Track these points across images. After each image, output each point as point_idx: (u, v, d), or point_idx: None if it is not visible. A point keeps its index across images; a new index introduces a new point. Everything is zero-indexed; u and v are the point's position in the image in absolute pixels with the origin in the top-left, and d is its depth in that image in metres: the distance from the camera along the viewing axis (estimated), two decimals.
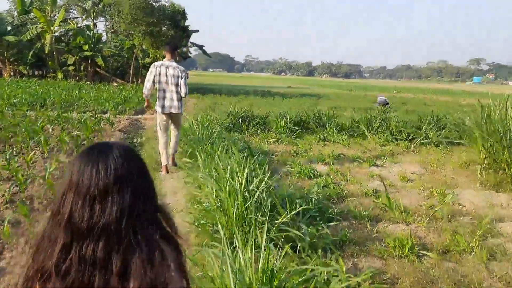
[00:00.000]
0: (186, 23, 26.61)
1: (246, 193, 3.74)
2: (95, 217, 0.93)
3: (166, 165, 6.08)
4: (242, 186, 3.68)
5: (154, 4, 23.73)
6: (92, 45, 26.80)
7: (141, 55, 28.74)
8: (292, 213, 3.54)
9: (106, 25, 39.15)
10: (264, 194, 3.74)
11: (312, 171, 6.24)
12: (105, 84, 24.76)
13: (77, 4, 29.86)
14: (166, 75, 5.91)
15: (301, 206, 3.86)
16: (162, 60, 6.05)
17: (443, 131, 9.80)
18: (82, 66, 27.55)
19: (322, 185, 5.61)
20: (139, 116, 12.67)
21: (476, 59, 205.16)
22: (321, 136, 9.56)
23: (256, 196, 3.58)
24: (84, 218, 0.93)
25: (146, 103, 6.46)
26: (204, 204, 4.05)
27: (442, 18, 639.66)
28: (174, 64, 6.02)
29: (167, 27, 24.54)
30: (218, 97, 22.44)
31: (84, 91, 17.01)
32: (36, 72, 32.23)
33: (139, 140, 8.88)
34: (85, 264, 0.92)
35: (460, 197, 5.49)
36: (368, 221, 4.44)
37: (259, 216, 3.40)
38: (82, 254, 0.92)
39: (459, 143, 9.47)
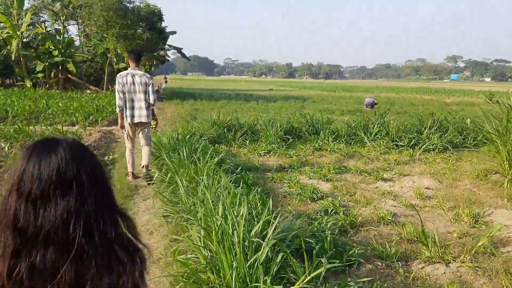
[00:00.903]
0: (163, 24, 25.47)
1: (246, 242, 2.75)
2: (39, 221, 0.85)
3: (132, 172, 6.03)
4: (241, 234, 2.69)
5: (127, 5, 22.51)
6: (63, 50, 25.28)
7: (115, 60, 27.38)
8: (313, 274, 2.55)
9: (78, 29, 37.53)
10: (270, 243, 2.75)
11: (314, 191, 5.28)
12: (78, 91, 23.32)
13: (46, 7, 28.26)
14: (134, 83, 5.86)
15: (318, 256, 2.89)
16: (127, 70, 6.00)
17: (445, 135, 9.01)
18: (52, 73, 25.98)
19: (330, 209, 4.66)
20: (113, 127, 11.51)
21: (453, 56, 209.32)
22: (316, 145, 8.64)
23: (262, 251, 2.59)
24: (29, 222, 0.85)
25: (119, 122, 6.15)
26: (189, 256, 3.03)
27: (419, 17, 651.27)
28: (140, 72, 5.96)
29: (142, 29, 23.34)
30: (199, 103, 21.36)
31: (53, 100, 15.67)
32: (6, 81, 30.47)
33: (111, 156, 7.78)
34: (37, 274, 0.84)
35: (493, 218, 4.62)
36: (397, 262, 3.51)
37: (269, 283, 2.40)
38: (32, 261, 0.84)
39: (465, 148, 8.73)
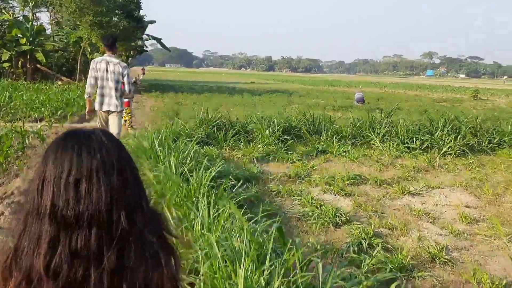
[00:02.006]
0: (141, 13, 23.89)
1: None
2: (81, 203, 0.82)
3: None
4: None
5: None
6: (31, 38, 23.39)
7: (89, 50, 25.64)
8: None
9: (50, 17, 35.32)
10: None
11: (336, 213, 4.21)
12: (48, 83, 21.57)
13: None
14: (107, 71, 5.70)
15: None
16: (102, 56, 5.90)
17: (459, 137, 8.09)
18: (19, 63, 24.05)
19: (363, 241, 3.60)
20: (85, 124, 10.17)
21: (428, 53, 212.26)
22: (319, 147, 7.58)
23: None
24: (69, 205, 0.81)
25: (88, 107, 6.05)
26: None
27: (396, 12, 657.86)
28: (115, 60, 5.79)
29: (118, 17, 21.72)
30: (180, 96, 20.05)
31: (17, 92, 14.08)
32: None
33: None
34: (78, 259, 0.80)
35: None
36: None
37: None
38: (73, 247, 0.80)
39: (481, 152, 7.86)
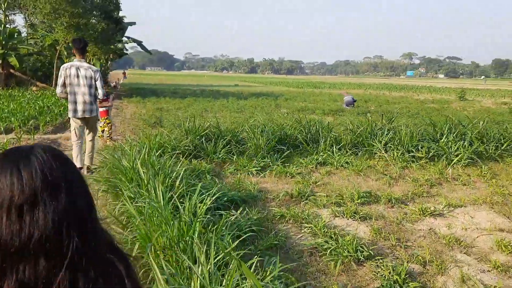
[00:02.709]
0: (121, 14, 22.92)
1: None
2: (27, 231, 0.76)
3: (81, 167, 5.73)
4: None
5: None
6: (4, 42, 22.17)
7: (66, 53, 24.50)
8: None
9: (26, 19, 33.91)
10: None
11: (357, 245, 3.53)
12: (22, 89, 20.42)
13: None
14: (78, 76, 5.58)
15: None
16: (73, 61, 5.72)
17: (465, 143, 7.55)
18: None
19: (397, 284, 2.94)
20: (59, 135, 9.30)
21: (408, 53, 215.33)
22: (317, 157, 6.94)
23: None
24: (14, 235, 0.76)
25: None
26: None
27: (376, 15, 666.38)
28: (86, 64, 5.67)
29: (96, 19, 20.74)
30: (163, 101, 19.17)
31: None
32: None
33: None
34: None
35: None
36: None
37: None
38: (21, 278, 0.75)
39: (490, 159, 7.36)
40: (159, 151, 5.97)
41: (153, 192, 3.55)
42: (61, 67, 5.66)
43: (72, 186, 0.82)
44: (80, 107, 5.65)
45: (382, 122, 8.15)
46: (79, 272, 0.77)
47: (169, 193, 3.83)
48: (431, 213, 4.56)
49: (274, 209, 4.57)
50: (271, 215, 4.44)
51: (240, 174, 6.19)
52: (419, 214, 4.53)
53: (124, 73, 49.90)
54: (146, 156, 5.05)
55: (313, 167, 6.63)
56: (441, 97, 28.96)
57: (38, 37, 28.22)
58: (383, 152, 6.99)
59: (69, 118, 5.91)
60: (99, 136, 8.50)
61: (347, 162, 6.70)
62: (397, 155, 6.97)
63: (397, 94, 32.44)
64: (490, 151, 7.56)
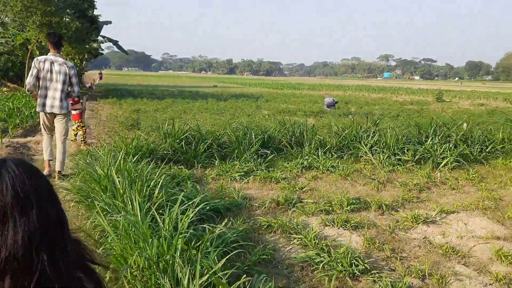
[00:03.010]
0: (96, 12, 22.25)
1: None
2: None
3: (48, 161, 5.64)
4: None
5: None
6: None
7: (38, 52, 23.60)
8: None
9: None
10: None
11: (351, 258, 3.29)
12: None
13: None
14: (51, 71, 5.39)
15: None
16: (46, 55, 5.51)
17: (449, 145, 7.47)
18: None
19: None
20: (29, 138, 8.79)
21: (385, 55, 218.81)
22: (302, 161, 6.71)
23: None
24: None
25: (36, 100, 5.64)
26: None
27: (354, 16, 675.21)
28: (60, 59, 5.45)
29: (70, 18, 20.04)
30: (140, 102, 18.66)
31: None
32: None
33: None
34: None
35: None
36: None
37: None
38: None
39: (475, 161, 7.29)
40: (136, 156, 5.61)
41: (130, 203, 3.22)
42: (35, 59, 5.45)
43: (44, 203, 0.79)
44: (49, 102, 5.44)
45: (367, 124, 7.99)
46: None
47: (147, 203, 3.51)
48: (423, 220, 4.37)
49: (260, 218, 4.29)
50: (257, 225, 4.16)
51: (223, 179, 5.90)
52: (412, 222, 4.33)
53: (100, 74, 48.83)
54: (122, 162, 4.69)
55: (298, 171, 6.40)
56: (419, 99, 29.33)
57: (9, 36, 27.15)
58: (369, 155, 6.81)
59: (39, 120, 5.72)
60: (72, 140, 8.05)
61: (333, 166, 6.49)
62: (383, 158, 6.81)
63: (375, 96, 32.72)
64: (475, 154, 7.50)
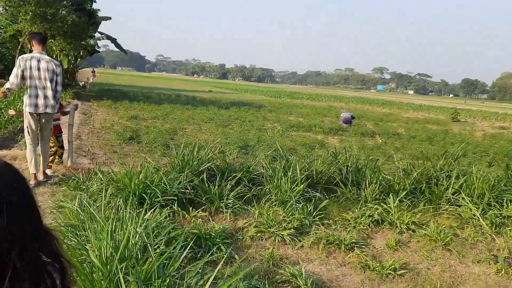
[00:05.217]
0: (95, 6, 20.28)
1: None
2: None
3: (35, 173, 5.25)
4: None
5: None
6: None
7: (29, 46, 21.58)
8: None
9: None
10: None
11: None
12: None
13: None
14: (38, 69, 5.13)
15: None
16: (32, 52, 5.21)
17: None
18: None
19: None
20: (5, 152, 6.87)
21: (379, 68, 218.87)
22: (368, 211, 4.90)
23: None
24: None
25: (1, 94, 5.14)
26: None
27: (350, 27, 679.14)
28: (47, 57, 5.25)
29: (67, 10, 18.06)
30: (137, 106, 16.76)
31: None
32: None
33: None
34: None
35: None
36: None
37: None
38: None
39: None
40: (145, 205, 3.77)
41: None
42: (20, 57, 5.17)
43: (17, 203, 0.80)
44: (40, 101, 5.20)
45: (443, 160, 6.15)
46: (16, 285, 0.76)
47: None
48: None
49: None
50: None
51: (266, 239, 4.11)
52: None
53: (93, 72, 46.53)
54: (131, 235, 2.84)
55: (366, 227, 4.62)
56: (431, 117, 27.73)
57: (1, 27, 25.08)
58: (476, 213, 4.97)
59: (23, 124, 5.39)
60: (56, 162, 6.23)
61: (414, 223, 4.71)
62: (480, 213, 5.03)
63: (380, 110, 31.13)
64: None
